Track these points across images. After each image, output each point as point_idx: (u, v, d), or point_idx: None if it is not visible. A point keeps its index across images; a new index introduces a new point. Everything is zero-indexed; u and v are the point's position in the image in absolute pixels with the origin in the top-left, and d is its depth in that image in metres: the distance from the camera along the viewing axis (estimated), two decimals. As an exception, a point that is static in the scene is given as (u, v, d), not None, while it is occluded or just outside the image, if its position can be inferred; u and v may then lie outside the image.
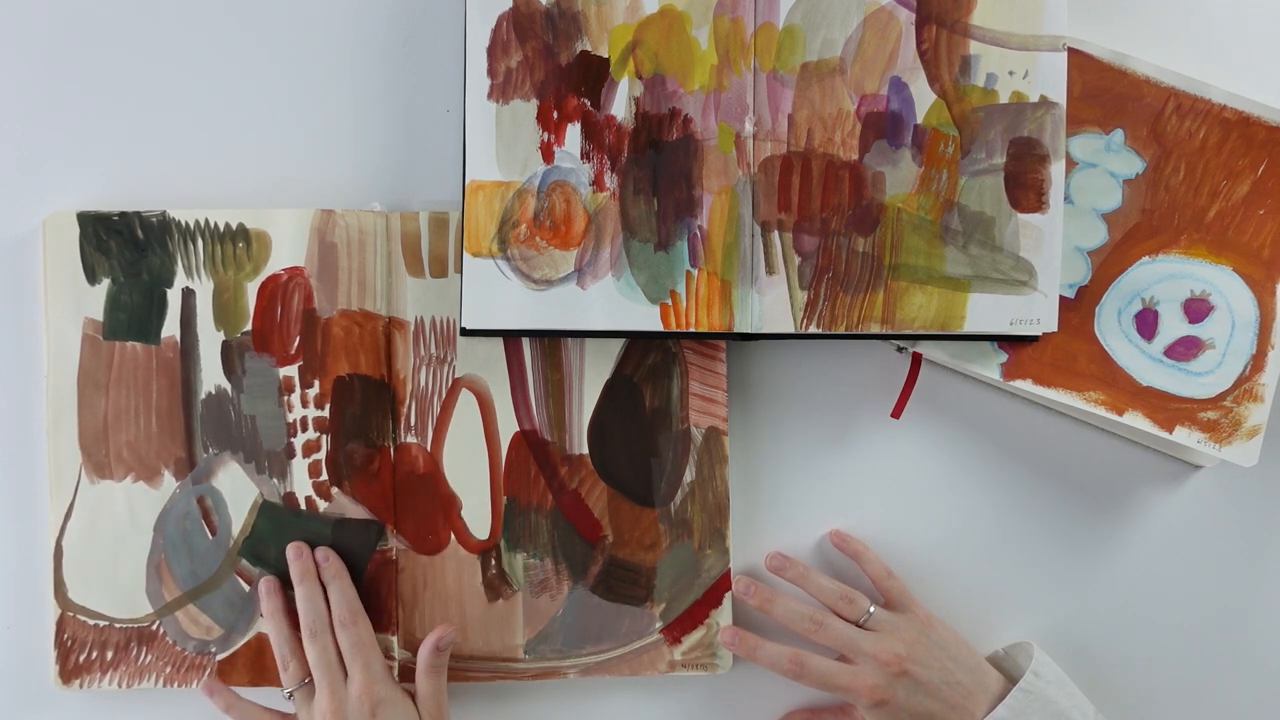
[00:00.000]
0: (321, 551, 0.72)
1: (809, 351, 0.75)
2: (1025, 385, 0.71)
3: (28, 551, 0.74)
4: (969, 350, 0.72)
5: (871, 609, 0.71)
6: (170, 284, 0.72)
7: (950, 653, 0.70)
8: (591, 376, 0.73)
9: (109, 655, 0.73)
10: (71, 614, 0.72)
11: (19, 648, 0.74)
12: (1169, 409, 0.71)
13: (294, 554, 0.71)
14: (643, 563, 0.73)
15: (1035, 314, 0.70)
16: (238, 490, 0.72)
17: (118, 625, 0.73)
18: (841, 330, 0.70)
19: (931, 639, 0.70)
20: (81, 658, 0.73)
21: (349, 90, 0.74)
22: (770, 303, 0.70)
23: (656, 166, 0.70)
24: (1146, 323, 0.72)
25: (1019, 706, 0.68)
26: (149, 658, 0.73)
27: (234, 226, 0.72)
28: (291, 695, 0.70)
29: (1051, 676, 0.70)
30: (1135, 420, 0.71)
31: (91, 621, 0.72)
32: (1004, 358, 0.72)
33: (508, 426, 0.73)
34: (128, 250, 0.72)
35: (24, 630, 0.74)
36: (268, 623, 0.71)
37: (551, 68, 0.70)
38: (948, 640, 0.70)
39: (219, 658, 0.73)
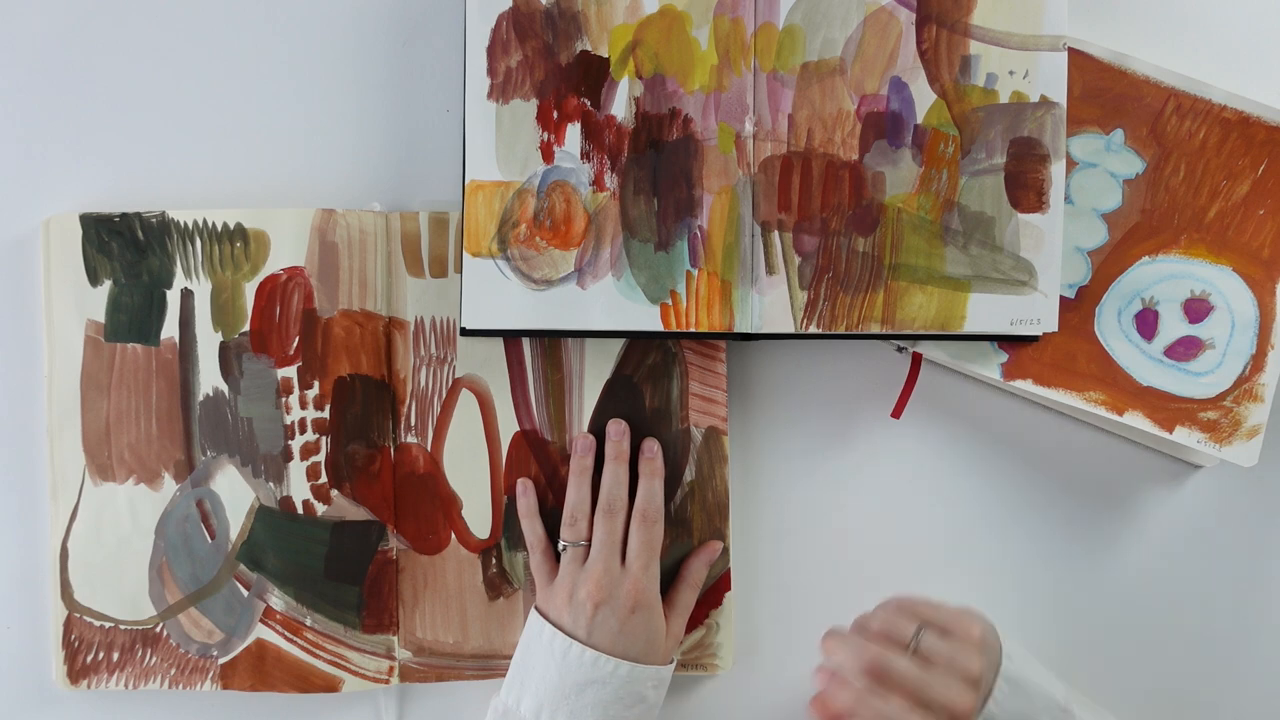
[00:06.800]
0: (650, 445, 0.72)
1: (809, 351, 0.75)
2: (1025, 385, 0.71)
3: (29, 552, 0.74)
4: (969, 350, 0.72)
5: (920, 635, 0.64)
6: (169, 285, 0.72)
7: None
8: (591, 376, 0.73)
9: (115, 656, 0.73)
10: (78, 615, 0.73)
11: (22, 648, 0.74)
12: (1169, 409, 0.71)
13: (615, 432, 0.72)
14: (643, 563, 0.73)
15: (1035, 314, 0.70)
16: (235, 494, 0.72)
17: (123, 627, 0.73)
18: (841, 330, 0.70)
19: (989, 661, 0.65)
20: (89, 658, 0.73)
21: (349, 90, 0.74)
22: (770, 303, 0.70)
23: (656, 166, 0.70)
24: (1146, 323, 0.72)
25: (1002, 699, 0.64)
26: (153, 659, 0.73)
27: (231, 226, 0.72)
28: (565, 549, 0.71)
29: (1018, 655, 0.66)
30: (1135, 420, 0.71)
31: (98, 623, 0.73)
32: (1004, 358, 0.72)
33: (508, 426, 0.73)
34: (129, 251, 0.72)
35: (27, 630, 0.74)
36: (572, 478, 0.72)
37: (551, 67, 0.70)
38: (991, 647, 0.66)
39: (221, 661, 0.73)
